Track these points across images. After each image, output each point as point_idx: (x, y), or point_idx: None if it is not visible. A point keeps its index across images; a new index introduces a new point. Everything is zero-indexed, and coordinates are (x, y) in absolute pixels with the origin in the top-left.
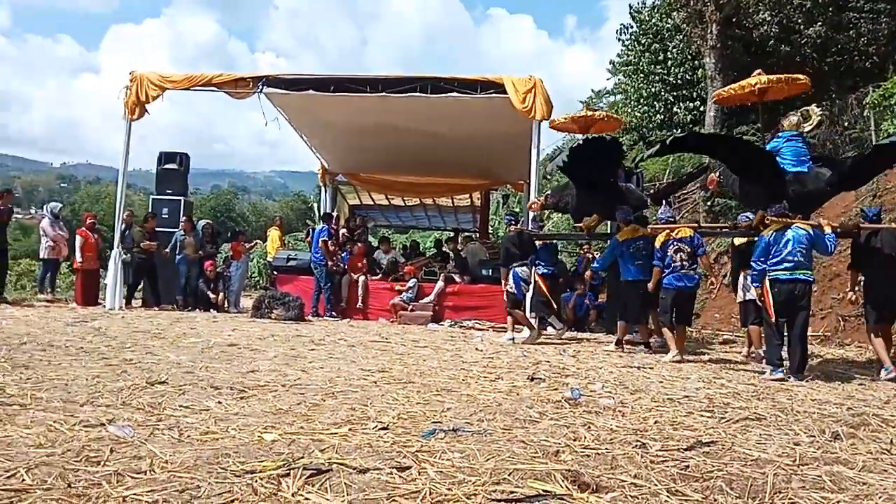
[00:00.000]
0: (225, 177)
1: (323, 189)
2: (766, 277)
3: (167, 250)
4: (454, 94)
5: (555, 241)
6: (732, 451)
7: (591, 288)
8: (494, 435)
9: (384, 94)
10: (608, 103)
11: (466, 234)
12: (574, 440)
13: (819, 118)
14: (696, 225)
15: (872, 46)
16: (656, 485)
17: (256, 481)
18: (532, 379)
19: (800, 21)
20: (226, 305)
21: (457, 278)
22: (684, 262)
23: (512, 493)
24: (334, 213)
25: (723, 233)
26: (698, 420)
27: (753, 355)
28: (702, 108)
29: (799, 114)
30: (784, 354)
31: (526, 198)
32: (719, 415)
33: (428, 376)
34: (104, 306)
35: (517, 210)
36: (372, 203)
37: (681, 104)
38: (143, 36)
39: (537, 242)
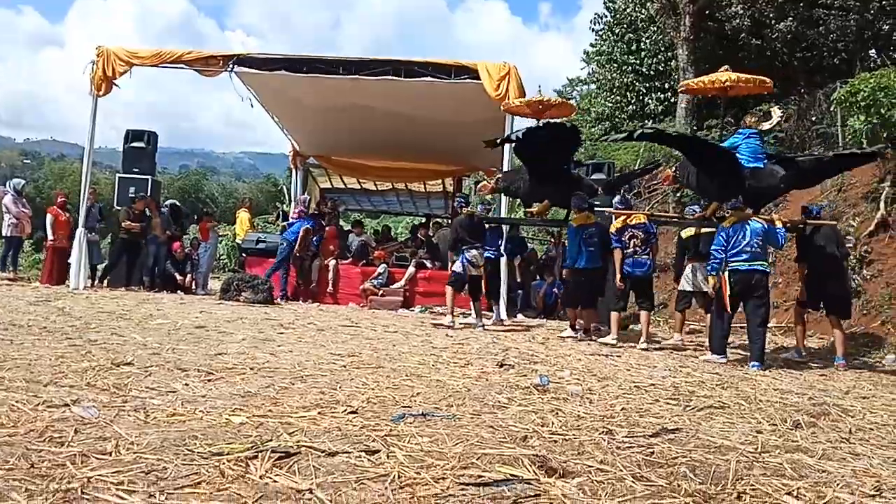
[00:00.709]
0: (194, 157)
1: (294, 172)
2: (725, 268)
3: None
4: (428, 78)
5: (500, 226)
6: (696, 438)
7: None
8: (463, 420)
9: (357, 76)
10: (581, 92)
11: (437, 219)
12: (542, 426)
13: (779, 118)
14: (650, 213)
15: (841, 43)
16: (622, 470)
17: (224, 463)
18: (501, 365)
19: (771, 15)
20: (193, 287)
21: (427, 264)
22: (637, 248)
23: (480, 477)
24: (305, 196)
25: (676, 221)
26: (664, 408)
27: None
28: (673, 100)
29: (760, 113)
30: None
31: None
32: (684, 402)
33: (398, 361)
34: (69, 286)
35: (467, 193)
36: (343, 187)
37: (653, 95)
38: (110, 10)
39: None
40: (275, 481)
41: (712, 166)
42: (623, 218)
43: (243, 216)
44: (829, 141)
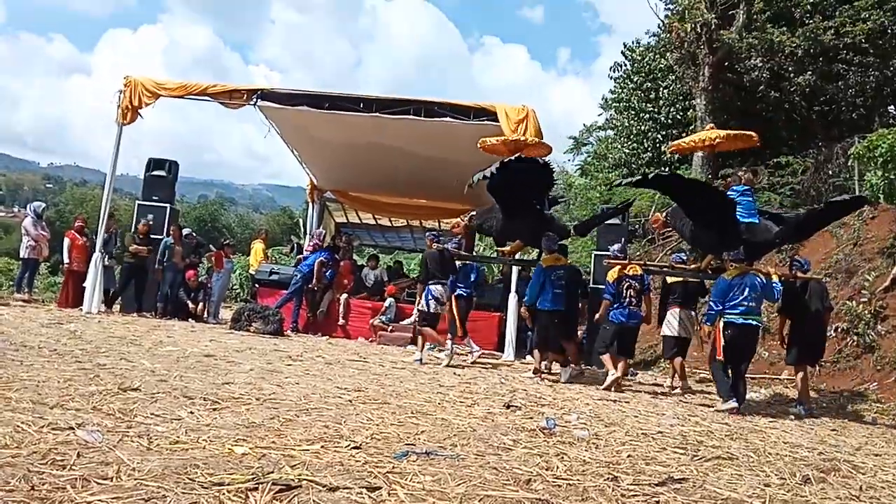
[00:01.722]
0: (213, 187)
1: (311, 205)
2: (721, 319)
3: (157, 266)
4: (447, 118)
5: (475, 265)
6: (703, 489)
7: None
8: (467, 460)
9: (378, 114)
10: (599, 138)
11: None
12: (546, 469)
13: (763, 177)
14: (644, 262)
15: (860, 98)
16: None
17: (224, 493)
18: (508, 406)
19: (790, 69)
20: (205, 316)
21: None
22: (632, 299)
23: None
24: (321, 230)
25: (669, 272)
26: (671, 456)
27: (677, 388)
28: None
29: (750, 171)
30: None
31: None
32: (692, 452)
33: (404, 398)
34: (82, 309)
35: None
36: (359, 221)
37: (670, 142)
38: (139, 42)
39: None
40: None
41: (712, 218)
42: (620, 268)
43: (258, 247)
44: (847, 195)
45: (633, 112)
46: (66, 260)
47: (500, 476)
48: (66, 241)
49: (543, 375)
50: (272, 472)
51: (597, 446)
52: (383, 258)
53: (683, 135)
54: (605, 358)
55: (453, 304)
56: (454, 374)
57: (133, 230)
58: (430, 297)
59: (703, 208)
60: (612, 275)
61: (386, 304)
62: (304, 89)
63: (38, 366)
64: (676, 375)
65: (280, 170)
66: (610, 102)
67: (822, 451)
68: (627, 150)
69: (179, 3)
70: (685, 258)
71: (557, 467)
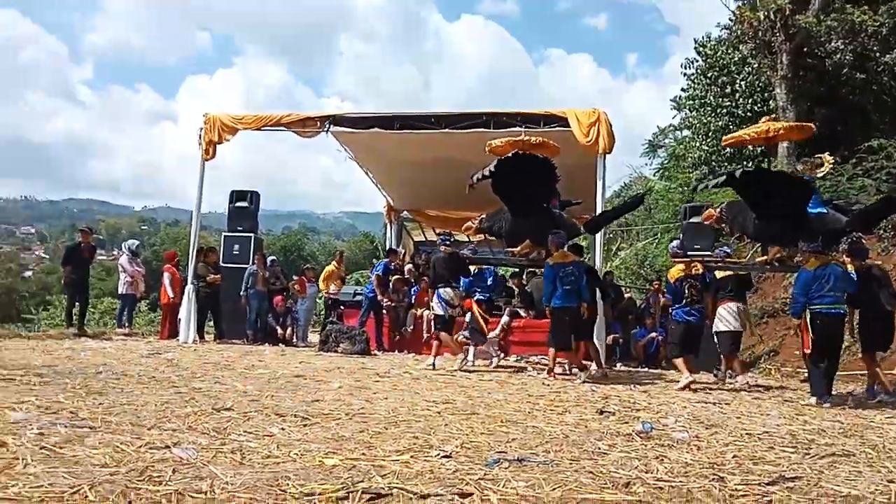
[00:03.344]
0: (295, 218)
1: (388, 226)
2: (807, 311)
3: (243, 292)
4: (517, 128)
5: (494, 269)
6: (819, 487)
7: (662, 324)
8: (561, 465)
9: (447, 129)
10: (675, 138)
11: (530, 270)
12: (646, 472)
13: (830, 165)
14: (705, 260)
15: None
16: None
17: (315, 503)
18: (601, 412)
19: (875, 49)
20: (294, 340)
21: (522, 313)
22: (694, 298)
23: None
24: (400, 249)
25: (734, 266)
26: (780, 455)
27: (733, 379)
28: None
29: (812, 162)
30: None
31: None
32: (803, 451)
33: (493, 408)
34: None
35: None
36: (436, 239)
37: (727, 136)
38: (216, 85)
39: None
40: None
41: (790, 210)
42: (683, 267)
43: (328, 269)
44: None
45: (709, 108)
46: (170, 293)
47: (597, 480)
48: (167, 276)
49: (557, 375)
50: (362, 482)
51: (698, 448)
52: None
53: None
54: (679, 362)
55: (474, 308)
56: (543, 384)
57: (203, 260)
58: (439, 300)
59: (783, 201)
60: (673, 273)
61: (467, 318)
62: (374, 112)
63: (136, 392)
64: (736, 369)
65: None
66: (684, 101)
67: None
68: (707, 148)
69: (251, 44)
70: (730, 252)
71: (657, 470)
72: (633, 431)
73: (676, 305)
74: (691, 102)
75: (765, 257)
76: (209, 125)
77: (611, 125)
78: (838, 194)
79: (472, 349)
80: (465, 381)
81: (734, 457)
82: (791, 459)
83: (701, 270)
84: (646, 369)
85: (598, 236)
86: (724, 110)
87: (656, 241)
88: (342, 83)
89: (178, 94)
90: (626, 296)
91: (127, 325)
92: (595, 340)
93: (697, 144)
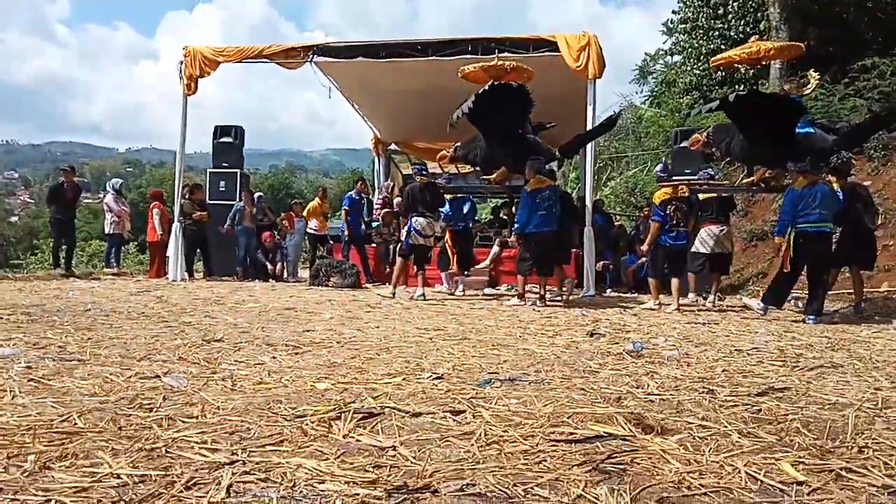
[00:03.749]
0: (282, 156)
1: (377, 159)
2: (792, 230)
3: (227, 225)
4: (506, 54)
5: (468, 197)
6: (808, 396)
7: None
8: (553, 384)
9: (435, 57)
10: (666, 63)
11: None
12: (637, 388)
13: (816, 82)
14: (691, 182)
15: None
16: (726, 426)
17: (307, 424)
18: (592, 334)
19: None
20: (285, 275)
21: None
22: (679, 221)
23: (571, 434)
24: (388, 182)
25: (719, 188)
26: (769, 369)
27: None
28: (765, 63)
29: (797, 80)
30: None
31: (581, 162)
32: (791, 364)
33: (484, 334)
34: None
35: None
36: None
37: (716, 56)
38: (197, 21)
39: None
40: (358, 440)
41: (780, 131)
42: (668, 190)
43: (311, 204)
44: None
45: (701, 31)
46: (160, 231)
47: (589, 396)
48: (156, 213)
49: (528, 300)
50: (353, 403)
51: (688, 364)
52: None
53: None
54: (652, 283)
55: (447, 238)
56: (534, 309)
57: (189, 197)
58: (411, 229)
59: (774, 123)
60: (659, 196)
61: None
62: (359, 41)
63: (126, 327)
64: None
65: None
66: (676, 24)
67: None
68: (698, 73)
69: None
70: (713, 174)
71: (648, 385)
72: (624, 351)
73: (664, 228)
74: (683, 26)
75: (751, 178)
76: (190, 58)
77: (601, 49)
78: (830, 115)
79: (444, 277)
80: (457, 309)
81: (723, 371)
82: (779, 372)
83: (687, 193)
84: (636, 295)
85: (589, 166)
86: (717, 33)
87: (646, 168)
88: (326, 16)
89: (157, 32)
90: (617, 223)
91: (115, 264)
92: (586, 266)
93: (689, 69)
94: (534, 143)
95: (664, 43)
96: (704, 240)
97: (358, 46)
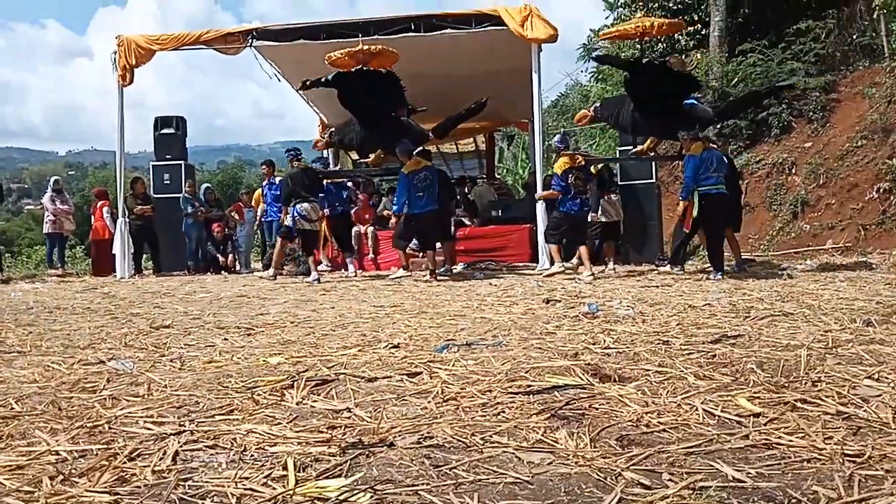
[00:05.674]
0: (230, 152)
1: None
2: (696, 193)
3: (195, 210)
4: (448, 30)
5: (341, 182)
6: (761, 341)
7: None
8: (510, 346)
9: (377, 36)
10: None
11: (472, 178)
12: (593, 344)
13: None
14: (587, 154)
15: None
16: (682, 371)
17: (258, 394)
18: (548, 301)
19: None
20: (236, 267)
21: (466, 221)
22: (580, 189)
23: (528, 386)
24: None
25: (610, 159)
26: (722, 320)
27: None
28: (703, 32)
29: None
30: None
31: (531, 139)
32: (744, 315)
33: (441, 307)
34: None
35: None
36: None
37: (682, 31)
38: (130, 16)
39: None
40: (311, 406)
41: (671, 100)
42: (567, 160)
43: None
44: (875, 53)
45: (639, 4)
46: (112, 229)
47: (546, 353)
48: (106, 210)
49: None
50: (307, 372)
51: (644, 321)
52: None
53: (695, 18)
54: (553, 248)
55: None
56: (490, 284)
57: (131, 192)
58: (295, 215)
59: (670, 96)
60: (559, 166)
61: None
62: (298, 22)
63: (70, 321)
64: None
65: (293, 125)
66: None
67: (880, 300)
68: (640, 47)
69: None
70: (568, 143)
71: (605, 341)
72: (580, 313)
73: (565, 196)
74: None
75: (640, 147)
76: (124, 48)
77: (544, 16)
78: (769, 79)
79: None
80: (413, 288)
81: (678, 325)
82: (732, 323)
83: (583, 162)
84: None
85: (538, 145)
86: (656, 4)
87: (594, 142)
88: (264, 5)
89: (89, 28)
90: None
91: (59, 265)
92: (540, 241)
93: (632, 42)
94: (406, 125)
95: (606, 18)
96: (605, 208)
97: (297, 28)
